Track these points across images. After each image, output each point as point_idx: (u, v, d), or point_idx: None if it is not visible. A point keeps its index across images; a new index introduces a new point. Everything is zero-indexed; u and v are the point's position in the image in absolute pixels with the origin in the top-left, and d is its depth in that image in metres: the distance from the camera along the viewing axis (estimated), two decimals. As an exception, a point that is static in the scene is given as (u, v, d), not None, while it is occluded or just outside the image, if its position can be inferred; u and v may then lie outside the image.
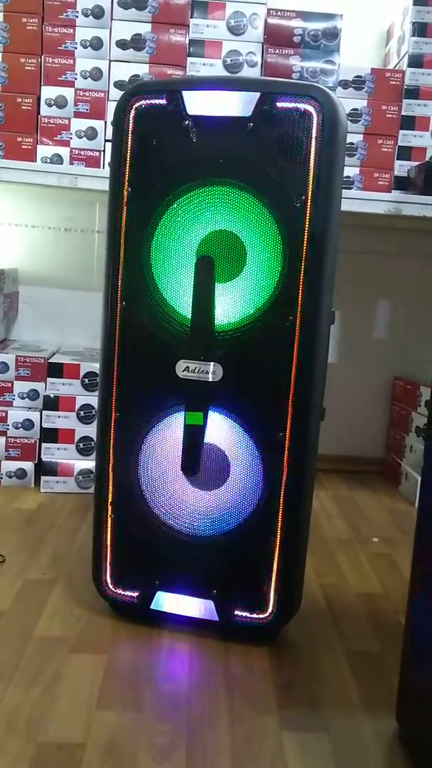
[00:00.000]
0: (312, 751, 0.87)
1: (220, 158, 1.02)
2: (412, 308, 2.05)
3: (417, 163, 1.74)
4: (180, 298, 1.06)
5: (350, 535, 1.59)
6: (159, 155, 1.04)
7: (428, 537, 0.86)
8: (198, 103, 1.02)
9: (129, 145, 1.05)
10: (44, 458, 1.71)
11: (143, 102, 1.04)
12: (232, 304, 1.04)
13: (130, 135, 1.05)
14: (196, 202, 1.04)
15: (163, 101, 1.03)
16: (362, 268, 2.01)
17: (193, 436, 1.07)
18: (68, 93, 1.67)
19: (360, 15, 1.89)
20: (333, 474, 2.02)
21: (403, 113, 1.75)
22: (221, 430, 1.07)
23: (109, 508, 1.12)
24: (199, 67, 1.68)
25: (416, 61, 1.74)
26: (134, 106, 1.05)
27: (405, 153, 1.76)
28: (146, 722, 0.89)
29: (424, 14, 1.73)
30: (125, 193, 1.06)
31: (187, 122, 1.02)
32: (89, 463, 1.69)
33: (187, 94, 1.02)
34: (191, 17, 1.67)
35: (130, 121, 1.05)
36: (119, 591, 1.13)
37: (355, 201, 1.63)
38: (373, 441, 2.12)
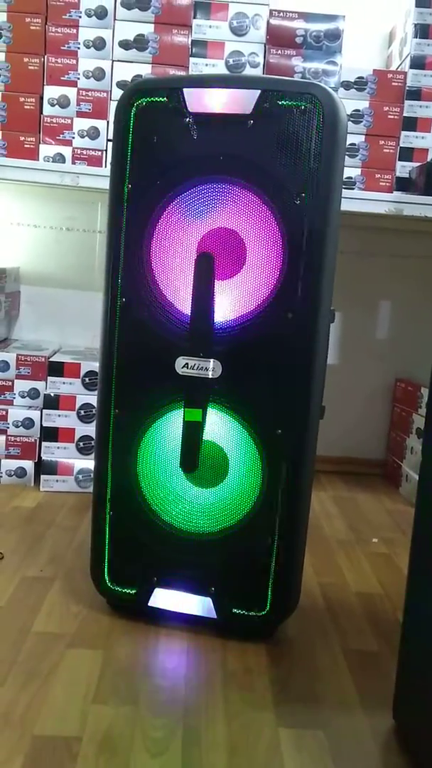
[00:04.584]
0: (308, 747, 0.87)
1: (221, 155, 1.02)
2: (413, 309, 2.05)
3: (418, 164, 1.74)
4: (180, 295, 1.06)
5: (350, 535, 1.59)
6: (160, 153, 1.05)
7: (425, 535, 0.86)
8: (198, 101, 1.02)
9: (130, 143, 1.05)
10: (44, 457, 1.71)
11: (144, 99, 1.05)
12: (232, 301, 1.04)
13: (131, 132, 1.05)
14: (197, 199, 1.04)
15: (163, 99, 1.04)
16: (364, 269, 2.01)
17: (192, 432, 1.07)
18: (71, 93, 1.68)
19: (362, 16, 1.90)
20: (333, 475, 2.02)
21: (405, 114, 1.75)
22: (220, 427, 1.07)
23: (108, 504, 1.12)
24: (201, 67, 1.69)
25: (418, 63, 1.75)
26: (135, 104, 1.05)
27: (407, 154, 1.77)
28: (142, 716, 0.89)
29: (426, 16, 1.74)
30: (126, 190, 1.06)
31: (187, 120, 1.03)
32: (89, 463, 1.69)
33: (187, 92, 1.03)
34: (194, 18, 1.68)
35: (131, 119, 1.05)
36: (117, 588, 1.13)
37: (356, 201, 1.63)
38: (374, 442, 2.11)
